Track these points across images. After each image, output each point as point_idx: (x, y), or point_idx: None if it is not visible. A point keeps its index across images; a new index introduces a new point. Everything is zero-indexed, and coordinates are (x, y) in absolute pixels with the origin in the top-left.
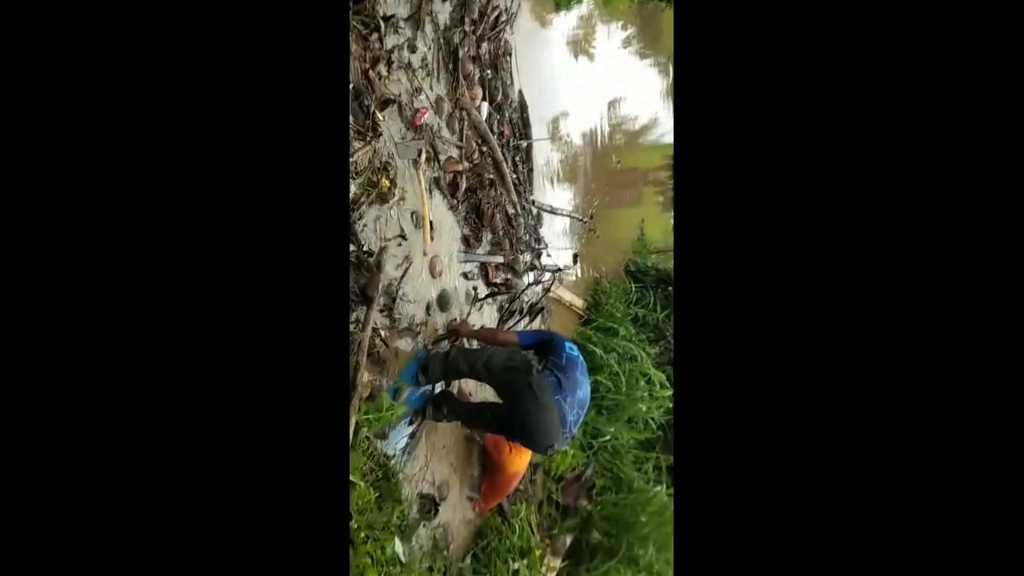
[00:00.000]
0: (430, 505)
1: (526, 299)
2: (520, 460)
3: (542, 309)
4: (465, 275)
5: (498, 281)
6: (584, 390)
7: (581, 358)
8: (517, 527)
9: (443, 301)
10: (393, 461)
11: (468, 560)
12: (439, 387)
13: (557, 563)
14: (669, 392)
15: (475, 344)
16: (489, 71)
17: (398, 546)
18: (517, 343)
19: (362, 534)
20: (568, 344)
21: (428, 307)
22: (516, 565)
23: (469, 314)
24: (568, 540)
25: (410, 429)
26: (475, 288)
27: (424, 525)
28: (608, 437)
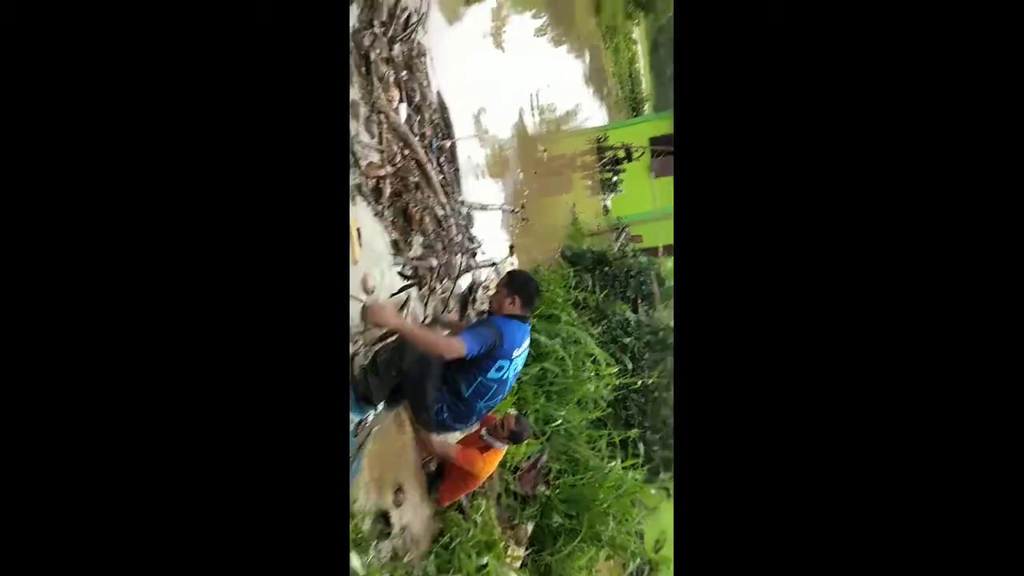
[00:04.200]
0: (383, 522)
1: (456, 289)
2: (491, 466)
3: (474, 301)
4: (403, 305)
5: (410, 273)
6: (478, 416)
7: (502, 379)
8: (479, 521)
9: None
10: None
11: (432, 559)
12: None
13: (521, 552)
14: (615, 369)
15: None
16: (404, 72)
17: (354, 559)
18: (465, 355)
19: None
20: (497, 365)
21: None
22: (484, 559)
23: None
24: (530, 527)
25: (356, 440)
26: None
27: (380, 540)
28: (560, 421)
